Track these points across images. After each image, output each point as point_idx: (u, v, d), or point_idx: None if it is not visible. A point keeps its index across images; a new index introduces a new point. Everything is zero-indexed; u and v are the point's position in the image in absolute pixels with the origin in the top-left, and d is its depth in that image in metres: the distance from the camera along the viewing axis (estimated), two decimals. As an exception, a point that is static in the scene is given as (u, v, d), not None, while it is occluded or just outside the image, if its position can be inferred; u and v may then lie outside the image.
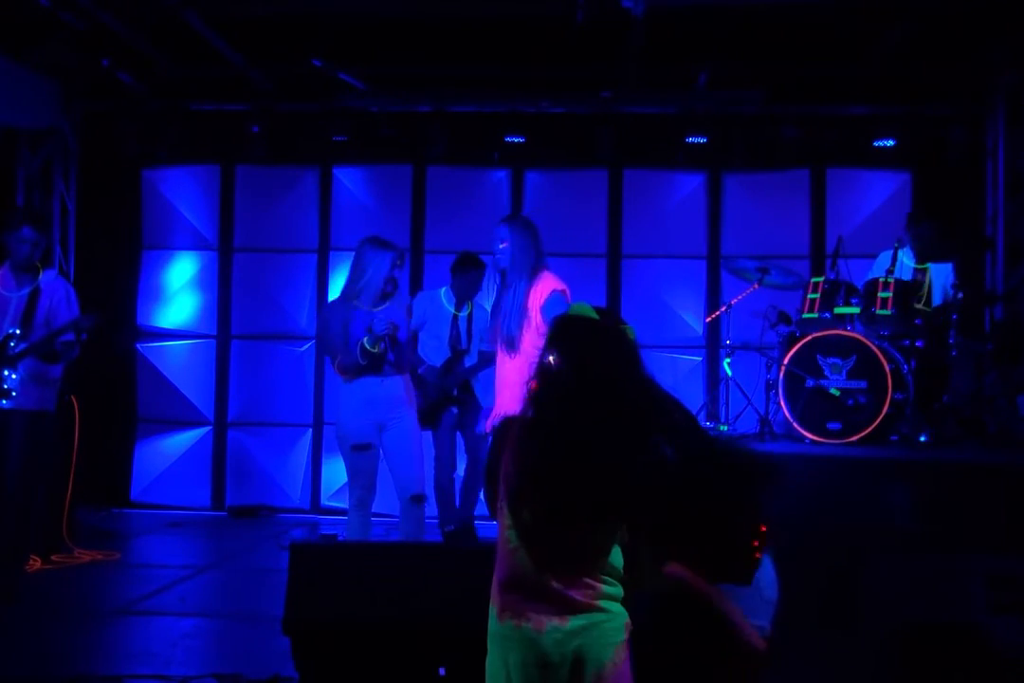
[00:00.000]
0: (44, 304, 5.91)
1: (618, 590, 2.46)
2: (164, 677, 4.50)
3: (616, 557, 2.47)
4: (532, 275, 5.47)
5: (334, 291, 8.95)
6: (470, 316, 7.16)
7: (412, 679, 3.64)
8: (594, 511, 2.40)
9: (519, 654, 2.45)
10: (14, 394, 5.71)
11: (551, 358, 2.54)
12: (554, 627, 2.41)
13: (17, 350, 5.74)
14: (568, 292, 5.52)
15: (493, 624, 2.51)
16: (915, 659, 3.70)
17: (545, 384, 2.52)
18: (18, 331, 5.76)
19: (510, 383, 5.41)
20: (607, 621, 2.42)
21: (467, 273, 7.14)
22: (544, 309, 5.36)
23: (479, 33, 7.48)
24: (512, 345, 5.41)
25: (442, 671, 3.53)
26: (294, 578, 3.80)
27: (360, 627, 3.67)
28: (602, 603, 2.43)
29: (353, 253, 5.87)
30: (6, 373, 5.69)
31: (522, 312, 5.39)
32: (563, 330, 2.59)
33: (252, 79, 8.47)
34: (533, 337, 5.34)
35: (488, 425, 5.58)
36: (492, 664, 2.51)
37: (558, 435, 2.43)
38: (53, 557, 6.72)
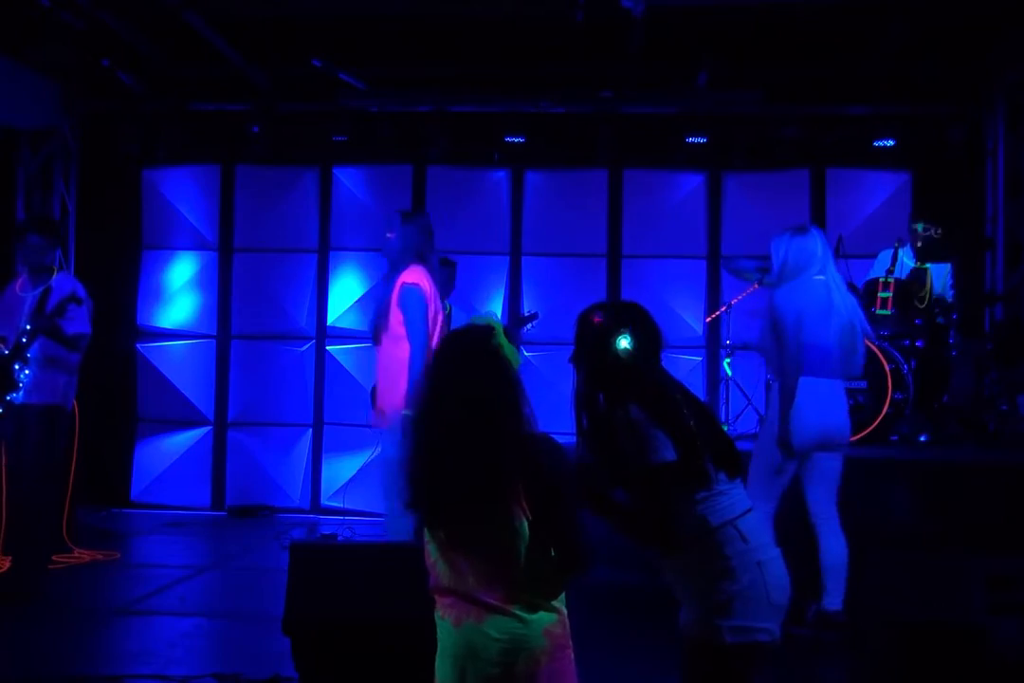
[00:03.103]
0: (53, 303, 6.06)
1: (537, 596, 2.52)
2: (164, 677, 4.50)
3: (538, 562, 2.52)
4: (401, 268, 5.56)
5: (334, 291, 8.97)
6: (447, 317, 7.27)
7: (412, 679, 3.64)
8: (474, 516, 2.49)
9: (444, 646, 2.58)
10: (20, 386, 5.85)
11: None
12: (470, 626, 2.51)
13: (23, 344, 5.89)
14: (422, 287, 5.56)
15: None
16: (915, 659, 3.69)
17: (420, 398, 2.65)
18: (28, 327, 5.93)
19: (380, 374, 5.60)
20: (520, 627, 2.49)
21: (440, 274, 7.24)
22: (398, 302, 5.49)
23: (479, 33, 7.48)
24: (376, 336, 5.59)
25: (442, 671, 3.53)
26: (294, 578, 3.80)
27: (360, 627, 3.67)
28: (516, 609, 2.50)
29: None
30: (17, 367, 5.85)
31: (387, 304, 5.52)
32: (441, 343, 2.77)
33: (252, 79, 8.47)
34: (392, 329, 5.51)
35: (374, 420, 5.67)
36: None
37: (427, 446, 2.57)
38: (53, 557, 6.72)
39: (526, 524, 2.49)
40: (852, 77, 8.10)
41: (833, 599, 4.84)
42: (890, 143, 8.39)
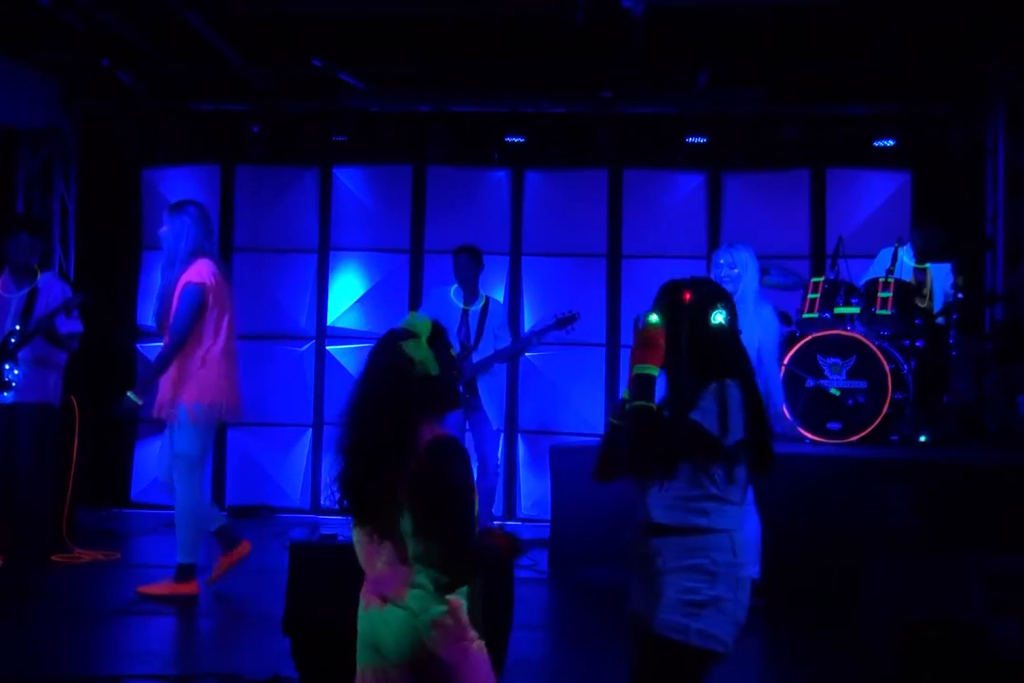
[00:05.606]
0: (42, 302, 6.16)
1: (431, 587, 2.56)
2: (164, 677, 4.50)
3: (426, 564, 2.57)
4: (187, 262, 5.61)
5: (334, 291, 8.96)
6: (483, 310, 7.15)
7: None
8: (366, 517, 2.65)
9: (358, 629, 2.67)
10: (14, 384, 5.94)
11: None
12: (374, 612, 2.60)
13: (15, 344, 5.94)
14: (205, 285, 5.60)
15: None
16: (915, 659, 3.69)
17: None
18: (18, 328, 6.01)
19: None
20: (410, 619, 2.54)
21: (459, 261, 7.18)
22: (178, 298, 5.58)
23: (479, 33, 7.48)
24: (162, 329, 5.72)
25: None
26: (294, 578, 3.80)
27: (360, 627, 3.67)
28: (408, 600, 2.55)
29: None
30: (7, 367, 5.91)
31: (171, 298, 5.62)
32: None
33: (252, 79, 8.47)
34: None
35: (155, 412, 5.79)
36: None
37: (340, 446, 2.80)
38: (53, 557, 6.72)
39: (410, 527, 2.54)
40: (852, 77, 8.10)
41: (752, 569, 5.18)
42: (890, 143, 8.39)
